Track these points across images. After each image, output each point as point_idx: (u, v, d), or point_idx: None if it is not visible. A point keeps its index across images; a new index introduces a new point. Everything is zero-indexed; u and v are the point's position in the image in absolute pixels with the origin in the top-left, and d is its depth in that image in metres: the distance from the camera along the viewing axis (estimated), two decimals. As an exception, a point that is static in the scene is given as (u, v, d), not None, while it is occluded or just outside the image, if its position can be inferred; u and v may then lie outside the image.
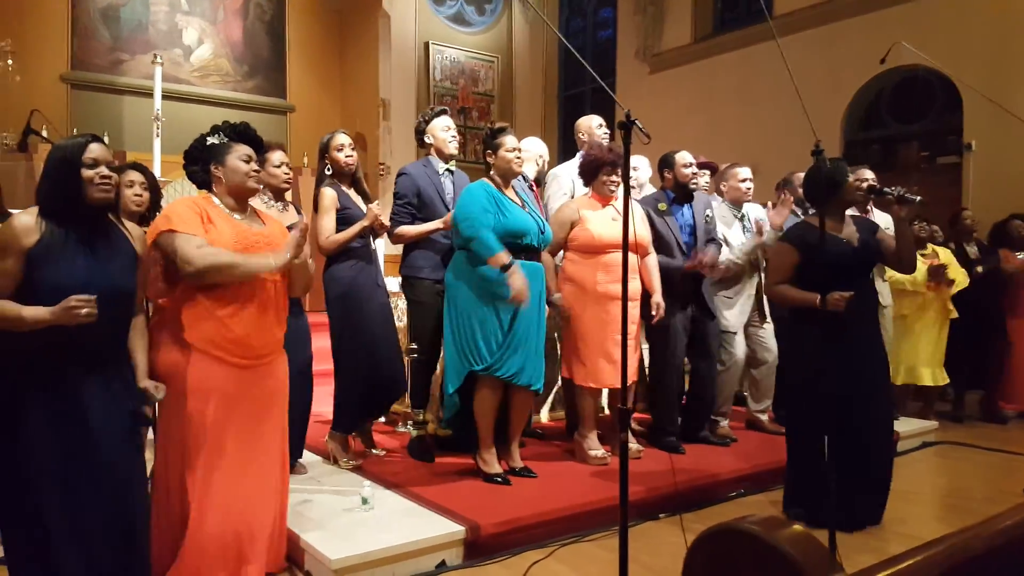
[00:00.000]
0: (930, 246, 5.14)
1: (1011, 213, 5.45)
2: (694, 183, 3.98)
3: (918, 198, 2.94)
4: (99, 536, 1.97)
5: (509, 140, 3.35)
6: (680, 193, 3.96)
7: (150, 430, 2.43)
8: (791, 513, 3.12)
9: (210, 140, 2.47)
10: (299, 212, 3.45)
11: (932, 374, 5.06)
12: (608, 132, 4.32)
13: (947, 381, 5.13)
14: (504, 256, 3.11)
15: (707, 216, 4.04)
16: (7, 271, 1.91)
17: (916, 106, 7.05)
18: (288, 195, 3.43)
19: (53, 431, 1.93)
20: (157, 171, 5.62)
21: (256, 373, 2.36)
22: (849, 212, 3.18)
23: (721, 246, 4.04)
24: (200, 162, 2.46)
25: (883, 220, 4.42)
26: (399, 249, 3.80)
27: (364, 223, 3.42)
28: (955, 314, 5.10)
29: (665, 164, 3.99)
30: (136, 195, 2.92)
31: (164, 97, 6.47)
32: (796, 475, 3.14)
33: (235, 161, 2.41)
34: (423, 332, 3.66)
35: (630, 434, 2.07)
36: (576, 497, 3.13)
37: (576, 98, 10.14)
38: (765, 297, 4.21)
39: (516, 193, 3.42)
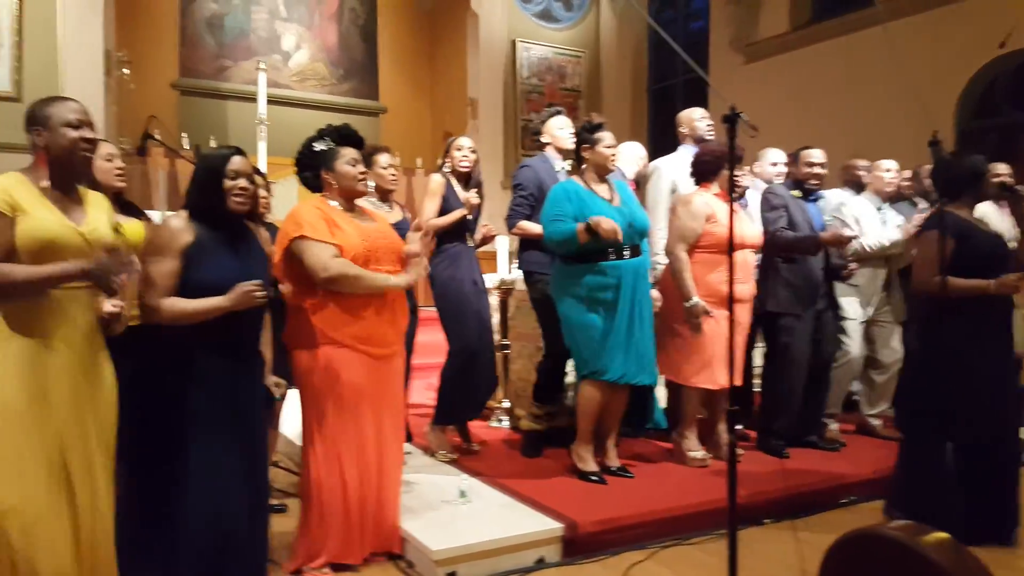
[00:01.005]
0: None
1: None
2: (813, 183, 3.84)
3: None
4: (235, 506, 2.17)
5: (607, 136, 3.31)
6: (800, 189, 3.85)
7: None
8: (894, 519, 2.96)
9: (317, 146, 2.62)
10: (403, 211, 3.60)
11: None
12: (711, 124, 4.21)
13: None
14: (580, 227, 3.07)
15: (836, 216, 3.96)
16: (172, 271, 2.12)
17: (1036, 93, 6.54)
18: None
19: (209, 407, 2.14)
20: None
21: (388, 363, 2.57)
22: None
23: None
24: (311, 168, 2.62)
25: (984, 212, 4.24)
26: (492, 247, 3.86)
27: (461, 211, 3.54)
28: None
29: (794, 158, 3.92)
30: (263, 199, 3.08)
31: (266, 102, 6.76)
32: (912, 481, 2.96)
33: (343, 166, 2.56)
34: (548, 328, 3.66)
35: (732, 436, 2.00)
36: (676, 499, 3.07)
37: (666, 91, 9.94)
38: (900, 296, 4.05)
39: (613, 188, 3.35)
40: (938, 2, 6.85)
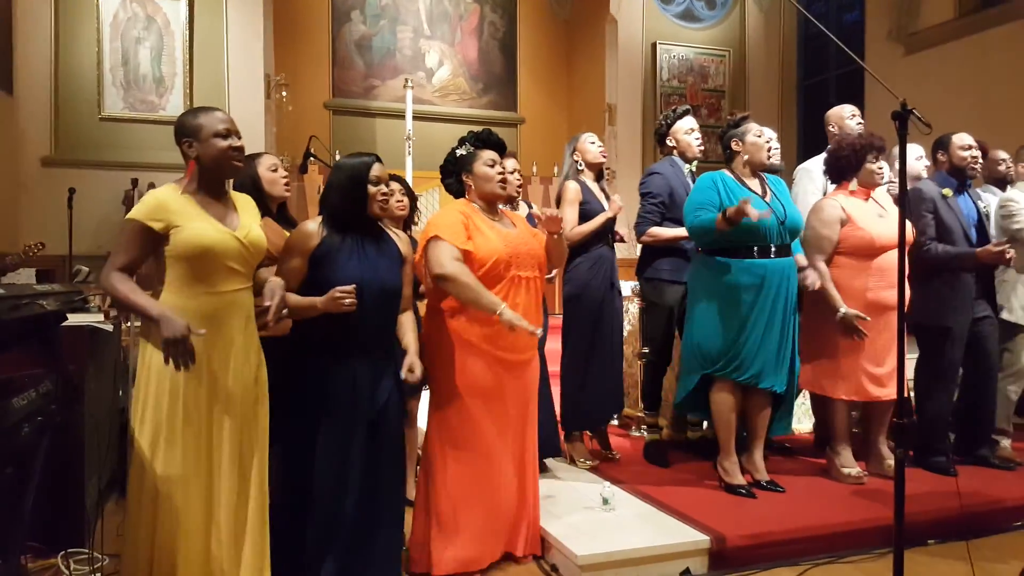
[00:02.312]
0: None
1: None
2: (973, 168, 3.55)
3: None
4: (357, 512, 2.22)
5: (754, 127, 3.21)
6: (957, 178, 3.55)
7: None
8: None
9: (459, 152, 2.68)
10: (529, 206, 3.63)
11: None
12: (862, 123, 3.97)
13: None
14: (719, 216, 2.97)
15: (985, 207, 3.63)
16: (296, 269, 2.24)
17: None
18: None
19: (329, 407, 2.21)
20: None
21: (521, 368, 2.55)
22: None
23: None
24: (453, 174, 2.68)
25: None
26: (633, 252, 3.82)
27: (608, 214, 3.51)
28: None
29: (940, 146, 3.61)
30: (398, 202, 3.23)
31: (412, 118, 7.10)
32: None
33: (482, 168, 2.59)
34: (656, 334, 3.65)
35: (900, 452, 1.88)
36: (830, 515, 2.92)
37: (817, 87, 9.45)
38: None
39: (766, 183, 3.24)
40: None
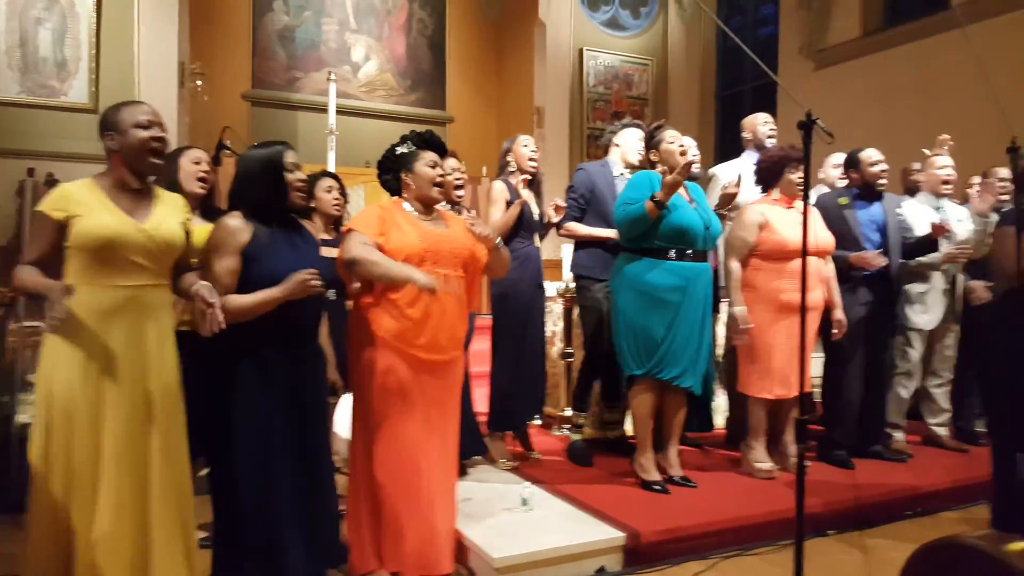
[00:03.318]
0: None
1: None
2: (882, 181, 3.78)
3: None
4: (297, 502, 2.18)
5: (669, 133, 3.31)
6: (866, 191, 3.77)
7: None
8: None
9: (400, 150, 2.61)
10: (469, 213, 3.59)
11: None
12: (775, 130, 4.15)
13: None
14: (648, 202, 3.07)
15: (900, 216, 3.85)
16: (230, 268, 2.14)
17: None
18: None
19: (264, 402, 2.15)
20: (331, 182, 6.07)
21: (443, 369, 2.49)
22: None
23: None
24: (391, 171, 2.61)
25: None
26: (557, 253, 3.87)
27: (519, 202, 3.49)
28: None
29: (851, 163, 3.83)
30: (335, 199, 3.15)
31: (335, 112, 6.94)
32: (1003, 492, 2.84)
33: (423, 168, 2.54)
34: (590, 334, 3.69)
35: (801, 446, 1.98)
36: (740, 509, 3.03)
37: (734, 98, 9.81)
38: (957, 298, 3.96)
39: (689, 191, 3.35)
40: (1019, 4, 6.57)
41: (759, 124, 4.14)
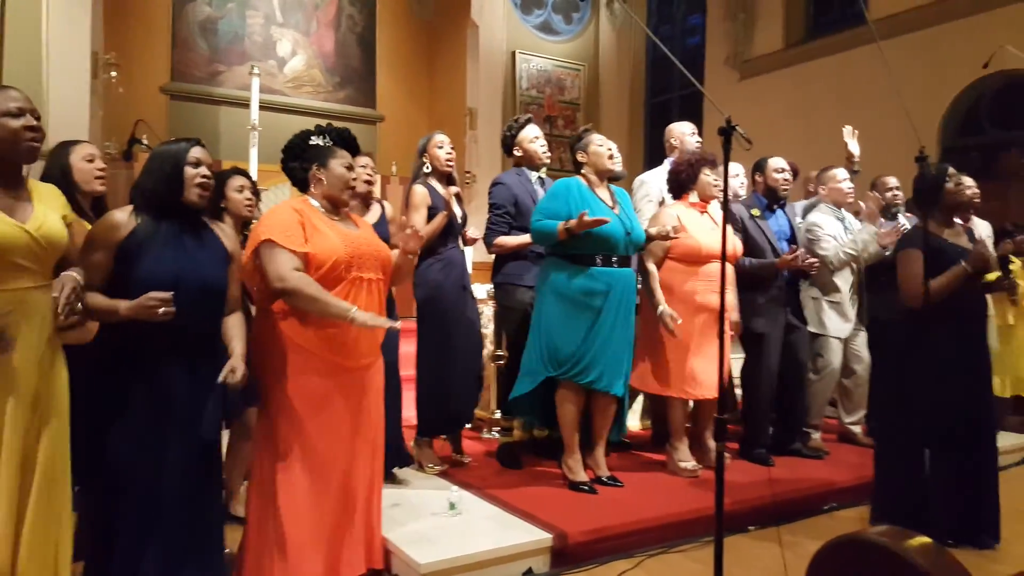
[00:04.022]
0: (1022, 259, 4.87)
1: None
2: (785, 189, 3.92)
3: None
4: (177, 524, 2.05)
5: (596, 137, 3.35)
6: (770, 198, 3.92)
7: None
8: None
9: (315, 140, 2.50)
10: (382, 207, 3.50)
11: None
12: (700, 140, 4.25)
13: None
14: (560, 226, 3.09)
15: (799, 223, 4.00)
16: (97, 264, 2.01)
17: (1018, 112, 6.66)
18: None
19: (145, 417, 2.02)
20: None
21: (360, 375, 2.39)
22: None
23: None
24: (301, 160, 2.47)
25: (985, 229, 4.39)
26: (487, 256, 3.83)
27: (444, 213, 3.44)
28: None
29: (757, 169, 3.96)
30: (247, 199, 3.01)
31: (259, 107, 6.74)
32: (892, 488, 2.99)
33: (339, 168, 2.42)
34: (512, 338, 3.68)
35: (720, 445, 2.02)
36: (664, 508, 3.07)
37: (663, 105, 10.03)
38: (860, 303, 4.16)
39: (614, 196, 3.38)
40: (929, 22, 6.96)
41: (687, 134, 4.22)
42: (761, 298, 3.76)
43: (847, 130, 4.31)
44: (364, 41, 9.68)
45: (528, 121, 3.81)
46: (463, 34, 9.14)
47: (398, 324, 2.29)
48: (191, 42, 8.75)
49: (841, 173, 4.16)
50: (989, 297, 4.45)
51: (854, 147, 4.29)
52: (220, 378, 2.05)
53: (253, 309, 2.54)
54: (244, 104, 7.40)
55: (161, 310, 1.92)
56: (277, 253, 2.23)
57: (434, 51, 10.03)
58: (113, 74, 7.12)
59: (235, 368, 2.07)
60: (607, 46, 10.20)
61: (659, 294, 3.48)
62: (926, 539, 0.92)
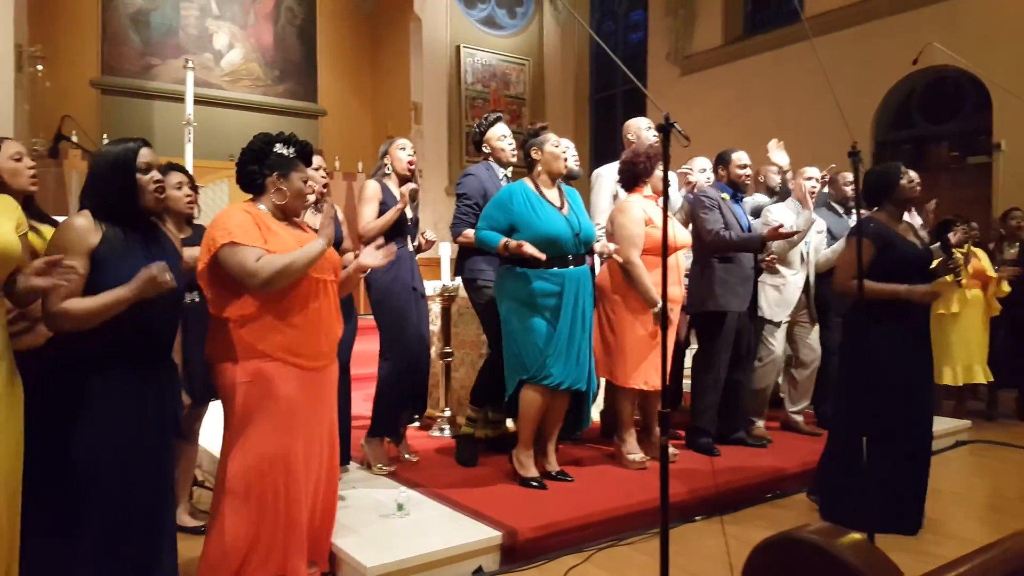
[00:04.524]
0: (967, 246, 5.08)
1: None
2: (746, 184, 4.03)
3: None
4: (138, 532, 2.01)
5: (552, 137, 3.33)
6: (734, 190, 4.00)
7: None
8: (824, 514, 3.15)
9: (279, 148, 2.42)
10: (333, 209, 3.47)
11: (974, 371, 5.01)
12: (657, 135, 4.29)
13: (991, 379, 5.08)
14: (501, 243, 3.13)
15: (765, 223, 4.10)
16: (78, 272, 1.93)
17: (946, 106, 6.96)
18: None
19: (111, 426, 1.97)
20: (190, 175, 5.69)
21: (320, 374, 2.38)
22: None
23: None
24: (261, 165, 2.40)
25: (916, 220, 4.56)
26: (435, 252, 3.81)
27: (398, 207, 3.43)
28: (997, 311, 5.05)
29: (721, 161, 4.04)
30: (188, 195, 2.92)
31: (195, 102, 6.52)
32: (840, 475, 3.09)
33: (299, 183, 2.39)
34: (494, 333, 3.64)
35: (664, 437, 2.04)
36: (613, 501, 3.09)
37: (607, 100, 10.12)
38: (813, 297, 4.26)
39: (564, 195, 3.37)
40: (860, 19, 7.19)
41: (644, 129, 4.27)
42: (727, 275, 3.82)
43: (772, 144, 4.40)
44: (304, 34, 9.49)
45: (497, 119, 3.82)
46: (406, 28, 9.05)
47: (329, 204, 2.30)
48: (122, 35, 8.43)
49: (809, 171, 4.24)
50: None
51: (780, 159, 4.38)
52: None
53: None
54: (179, 99, 7.17)
55: (168, 276, 1.90)
56: (240, 251, 2.20)
57: (377, 45, 9.90)
58: (39, 67, 6.83)
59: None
60: (551, 41, 10.23)
61: (653, 290, 3.47)
62: (858, 536, 0.94)
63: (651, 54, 9.14)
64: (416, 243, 3.66)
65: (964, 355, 5.00)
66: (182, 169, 3.00)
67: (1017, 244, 5.35)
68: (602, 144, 9.97)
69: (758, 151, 4.49)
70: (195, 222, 3.03)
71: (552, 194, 3.32)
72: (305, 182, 2.42)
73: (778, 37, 7.87)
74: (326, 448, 2.45)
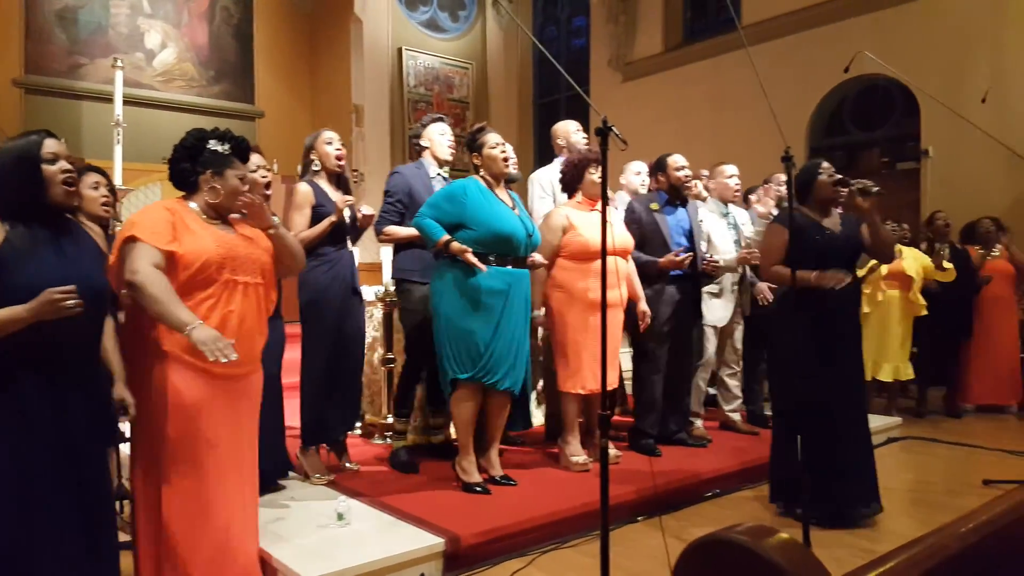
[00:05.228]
0: (898, 246, 5.27)
1: (981, 216, 5.64)
2: (687, 187, 4.02)
3: (875, 188, 3.09)
4: (71, 553, 1.90)
5: (491, 137, 3.32)
6: (673, 195, 4.00)
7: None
8: (777, 507, 3.25)
9: (213, 145, 2.32)
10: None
11: (895, 369, 5.17)
12: (586, 137, 4.33)
13: (911, 376, 5.25)
14: (442, 240, 3.11)
15: (700, 221, 4.13)
16: None
17: (877, 114, 7.23)
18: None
19: (29, 441, 1.85)
20: (118, 178, 5.44)
21: (235, 384, 2.26)
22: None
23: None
24: (194, 162, 2.30)
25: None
26: (376, 256, 3.75)
27: (332, 218, 3.31)
28: (924, 311, 5.23)
29: (659, 167, 4.04)
30: (104, 196, 2.79)
31: (125, 103, 6.26)
32: (781, 470, 3.18)
33: (234, 180, 2.29)
34: (412, 338, 3.60)
35: (604, 440, 2.06)
36: (556, 504, 3.09)
37: (551, 105, 10.18)
38: (744, 296, 4.36)
39: (509, 196, 3.36)
40: (796, 28, 7.42)
41: (572, 132, 4.29)
42: (650, 291, 3.84)
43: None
44: (241, 33, 9.26)
45: (439, 119, 3.81)
46: (346, 29, 8.93)
47: (233, 357, 2.05)
48: (47, 33, 8.08)
49: (728, 169, 4.33)
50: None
51: (732, 169, 4.42)
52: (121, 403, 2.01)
53: (121, 315, 2.36)
54: (108, 99, 6.89)
55: (71, 303, 1.77)
56: (137, 247, 2.10)
57: (316, 45, 9.73)
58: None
59: (125, 400, 2.07)
60: (495, 45, 10.24)
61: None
62: (786, 536, 0.95)
63: (593, 60, 9.24)
64: (351, 217, 3.48)
65: (876, 351, 5.15)
66: (99, 170, 2.88)
67: (947, 246, 5.58)
68: (546, 149, 9.99)
69: (696, 155, 4.57)
70: (114, 231, 2.89)
71: (503, 194, 3.32)
72: (242, 179, 2.32)
73: (716, 45, 8.05)
74: (244, 460, 2.31)
